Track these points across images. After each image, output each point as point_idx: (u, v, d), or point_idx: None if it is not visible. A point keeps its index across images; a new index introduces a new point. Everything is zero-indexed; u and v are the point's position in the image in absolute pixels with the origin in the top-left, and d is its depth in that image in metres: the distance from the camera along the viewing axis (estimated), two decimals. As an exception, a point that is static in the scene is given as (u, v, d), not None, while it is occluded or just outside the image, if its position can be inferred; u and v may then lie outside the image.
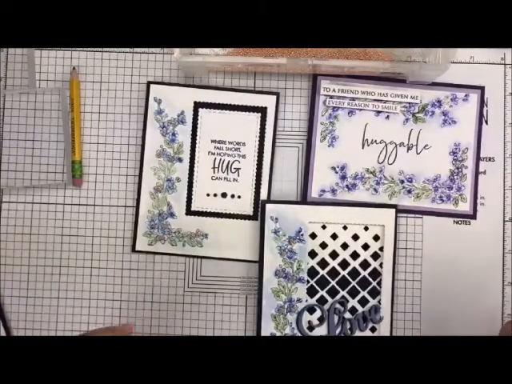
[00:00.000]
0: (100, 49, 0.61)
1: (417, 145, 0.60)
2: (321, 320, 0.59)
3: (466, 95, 0.60)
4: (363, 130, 0.60)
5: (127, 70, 0.61)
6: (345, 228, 0.59)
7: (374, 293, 0.59)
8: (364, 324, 0.58)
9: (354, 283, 0.59)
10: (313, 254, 0.59)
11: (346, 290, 0.59)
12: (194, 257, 0.60)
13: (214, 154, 0.60)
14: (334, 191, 0.60)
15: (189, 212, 0.60)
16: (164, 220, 0.60)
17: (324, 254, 0.59)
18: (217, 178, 0.60)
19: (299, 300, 0.58)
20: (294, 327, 0.58)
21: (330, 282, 0.59)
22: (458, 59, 0.61)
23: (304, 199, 0.60)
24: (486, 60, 0.61)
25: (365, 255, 0.59)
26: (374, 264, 0.59)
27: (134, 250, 0.60)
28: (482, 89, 0.60)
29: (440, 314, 0.59)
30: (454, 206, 0.60)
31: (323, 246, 0.59)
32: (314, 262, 0.59)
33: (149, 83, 0.60)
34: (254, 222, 0.60)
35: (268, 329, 0.58)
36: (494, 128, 0.60)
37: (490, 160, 0.60)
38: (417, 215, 0.60)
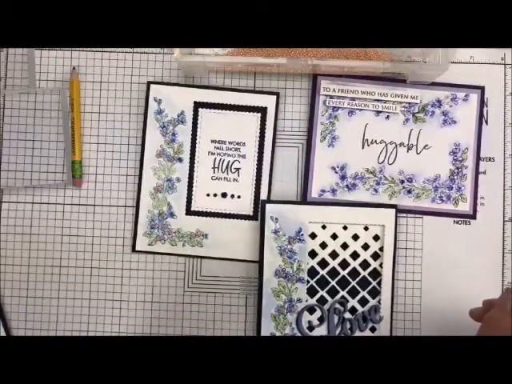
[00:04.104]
0: (100, 49, 0.61)
1: (417, 145, 0.60)
2: (321, 320, 0.59)
3: (466, 95, 0.60)
4: (363, 130, 0.60)
5: (127, 69, 0.61)
6: (345, 228, 0.59)
7: (374, 293, 0.59)
8: (364, 324, 0.58)
9: (354, 283, 0.59)
10: (313, 254, 0.59)
11: (346, 289, 0.59)
12: (193, 257, 0.60)
13: (213, 154, 0.60)
14: (334, 191, 0.60)
15: (189, 212, 0.60)
16: (164, 220, 0.60)
17: (324, 254, 0.59)
18: (217, 178, 0.60)
19: (299, 300, 0.58)
20: (293, 327, 0.58)
21: (330, 282, 0.59)
22: (458, 59, 0.61)
23: (304, 199, 0.60)
24: (486, 60, 0.61)
25: (365, 255, 0.59)
26: (374, 264, 0.59)
27: (134, 249, 0.60)
28: (482, 89, 0.60)
29: (440, 314, 0.59)
30: (453, 206, 0.60)
31: (323, 246, 0.59)
32: (314, 262, 0.59)
33: (149, 83, 0.60)
34: (253, 222, 0.60)
35: (268, 329, 0.58)
36: (494, 128, 0.60)
37: (489, 160, 0.60)
38: (417, 215, 0.60)
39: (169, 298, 0.60)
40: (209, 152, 0.60)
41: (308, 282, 0.59)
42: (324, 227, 0.59)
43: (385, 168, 0.60)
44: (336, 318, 0.58)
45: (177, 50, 0.54)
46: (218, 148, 0.60)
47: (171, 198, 0.60)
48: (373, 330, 0.59)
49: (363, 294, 0.59)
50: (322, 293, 0.59)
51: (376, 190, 0.60)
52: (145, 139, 0.60)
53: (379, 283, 0.59)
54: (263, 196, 0.60)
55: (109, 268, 0.60)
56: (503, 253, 0.60)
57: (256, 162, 0.60)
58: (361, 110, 0.60)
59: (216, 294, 0.60)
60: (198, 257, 0.60)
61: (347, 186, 0.60)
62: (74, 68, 0.61)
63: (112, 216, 0.60)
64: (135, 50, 0.61)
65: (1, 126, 0.61)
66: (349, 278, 0.59)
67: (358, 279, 0.59)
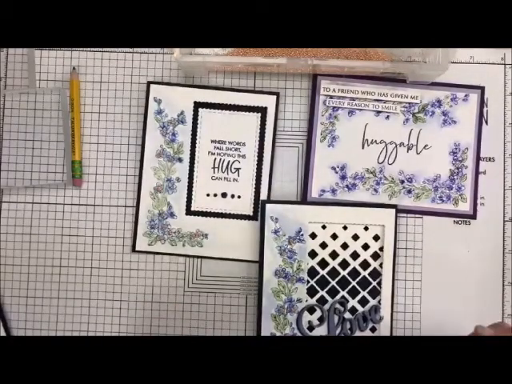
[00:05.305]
0: (100, 49, 0.61)
1: (417, 145, 0.60)
2: (321, 320, 0.59)
3: (465, 95, 0.60)
4: (363, 130, 0.60)
5: (127, 69, 0.61)
6: (345, 228, 0.59)
7: (374, 293, 0.59)
8: (364, 324, 0.58)
9: (354, 283, 0.59)
10: (313, 254, 0.59)
11: (346, 290, 0.59)
12: (194, 257, 0.60)
13: (214, 154, 0.60)
14: (334, 191, 0.60)
15: (189, 212, 0.60)
16: (164, 220, 0.60)
17: (324, 254, 0.59)
18: (217, 178, 0.60)
19: (299, 300, 0.58)
20: (294, 327, 0.58)
21: (330, 282, 0.59)
22: (458, 59, 0.61)
23: (304, 199, 0.60)
24: (486, 60, 0.61)
25: (365, 255, 0.59)
26: (374, 264, 0.59)
27: (134, 249, 0.60)
28: (482, 89, 0.60)
29: (440, 314, 0.59)
30: (453, 206, 0.60)
31: (323, 246, 0.59)
32: (314, 262, 0.59)
33: (149, 83, 0.60)
34: (253, 222, 0.60)
35: (268, 329, 0.58)
36: (494, 128, 0.60)
37: (489, 160, 0.60)
38: (417, 215, 0.60)
39: (169, 298, 0.60)
40: (209, 152, 0.60)
41: (308, 282, 0.59)
42: (324, 227, 0.59)
43: (385, 168, 0.60)
44: (336, 318, 0.58)
45: (177, 50, 0.54)
46: (218, 148, 0.60)
47: (171, 198, 0.60)
48: (373, 330, 0.59)
49: (363, 294, 0.59)
50: (322, 293, 0.59)
51: (376, 190, 0.60)
52: (145, 139, 0.60)
53: (379, 283, 0.59)
54: (263, 196, 0.60)
55: (109, 268, 0.60)
56: (503, 253, 0.60)
57: (256, 162, 0.60)
58: (361, 110, 0.60)
59: (216, 294, 0.60)
60: (198, 257, 0.60)
61: (347, 186, 0.60)
62: (74, 68, 0.61)
63: (112, 216, 0.60)
64: (135, 50, 0.61)
65: (1, 125, 0.61)
66: (349, 278, 0.59)
67: (358, 279, 0.59)
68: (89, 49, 0.61)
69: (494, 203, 0.60)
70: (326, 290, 0.59)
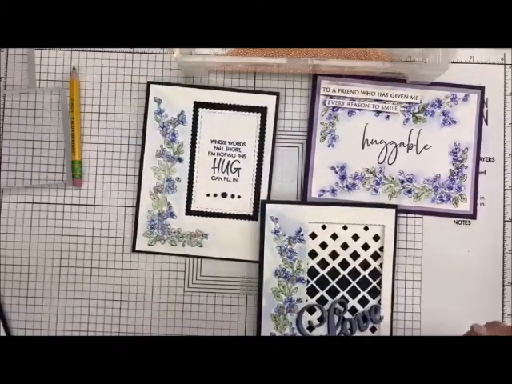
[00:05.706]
0: (100, 49, 0.61)
1: (417, 145, 0.60)
2: (321, 320, 0.59)
3: (465, 95, 0.60)
4: (363, 130, 0.60)
5: (127, 69, 0.61)
6: (345, 228, 0.59)
7: (374, 293, 0.59)
8: (364, 324, 0.58)
9: (354, 283, 0.59)
10: (313, 254, 0.59)
11: (346, 290, 0.59)
12: (193, 257, 0.60)
13: (214, 154, 0.60)
14: (333, 191, 0.60)
15: (189, 212, 0.60)
16: (164, 220, 0.60)
17: (324, 254, 0.59)
18: (217, 178, 0.60)
19: (299, 300, 0.58)
20: (294, 327, 0.58)
21: (330, 282, 0.59)
22: (458, 59, 0.61)
23: (304, 199, 0.60)
24: (486, 60, 0.61)
25: (365, 255, 0.59)
26: (374, 264, 0.59)
27: (134, 250, 0.60)
28: (482, 89, 0.60)
29: (440, 314, 0.59)
30: (453, 206, 0.60)
31: (323, 246, 0.59)
32: (314, 262, 0.59)
33: (149, 83, 0.60)
34: (253, 222, 0.60)
35: (268, 329, 0.58)
36: (494, 128, 0.60)
37: (489, 160, 0.60)
38: (417, 215, 0.60)
39: (169, 298, 0.60)
40: (209, 152, 0.60)
41: (308, 281, 0.59)
42: (324, 227, 0.59)
43: (385, 168, 0.60)
44: (336, 318, 0.58)
45: (177, 50, 0.54)
46: (218, 148, 0.60)
47: (171, 198, 0.60)
48: (373, 330, 0.59)
49: (363, 293, 0.59)
50: (322, 293, 0.59)
51: (376, 190, 0.60)
52: (145, 139, 0.60)
53: (379, 283, 0.59)
54: (263, 196, 0.60)
55: (109, 268, 0.60)
56: (503, 253, 0.60)
57: (256, 162, 0.60)
58: (361, 110, 0.60)
59: (216, 294, 0.60)
60: (198, 257, 0.60)
61: (347, 186, 0.60)
62: (74, 68, 0.61)
63: (112, 216, 0.60)
64: (135, 50, 0.61)
65: (1, 125, 0.61)
66: (349, 277, 0.59)
67: (358, 279, 0.59)
68: (89, 49, 0.61)
69: (494, 203, 0.60)
70: (326, 290, 0.59)
